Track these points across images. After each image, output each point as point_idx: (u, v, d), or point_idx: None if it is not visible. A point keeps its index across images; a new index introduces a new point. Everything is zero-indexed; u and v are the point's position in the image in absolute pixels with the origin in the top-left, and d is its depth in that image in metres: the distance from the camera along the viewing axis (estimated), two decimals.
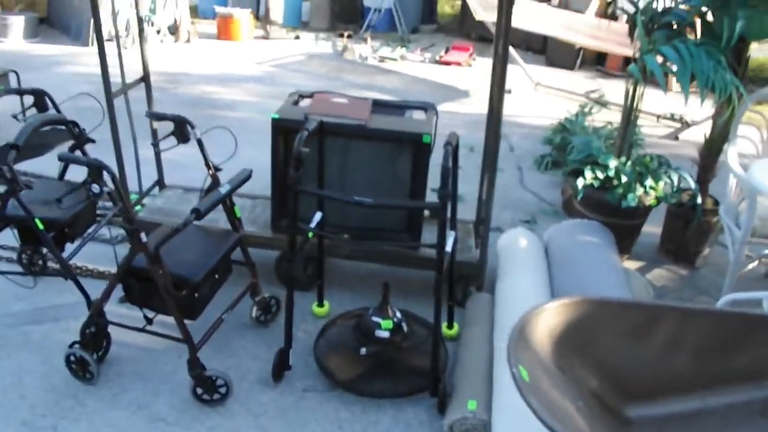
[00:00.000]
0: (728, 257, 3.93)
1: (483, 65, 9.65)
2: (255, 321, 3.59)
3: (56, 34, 9.79)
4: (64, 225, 3.27)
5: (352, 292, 3.94)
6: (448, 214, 2.99)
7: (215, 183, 3.38)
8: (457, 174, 3.17)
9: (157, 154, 4.11)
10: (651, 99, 6.22)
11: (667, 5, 4.29)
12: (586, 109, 6.61)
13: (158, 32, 9.54)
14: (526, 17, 8.20)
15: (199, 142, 3.40)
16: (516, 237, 4.04)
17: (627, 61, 9.63)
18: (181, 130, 3.40)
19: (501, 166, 5.07)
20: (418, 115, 3.81)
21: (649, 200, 4.25)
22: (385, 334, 3.16)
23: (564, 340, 2.24)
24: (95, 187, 2.65)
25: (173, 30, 9.71)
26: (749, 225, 3.83)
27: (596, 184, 4.24)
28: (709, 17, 4.05)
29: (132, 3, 4.75)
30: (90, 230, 3.43)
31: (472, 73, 9.23)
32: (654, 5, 4.22)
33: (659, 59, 3.87)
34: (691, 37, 4.16)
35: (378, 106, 3.84)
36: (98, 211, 3.70)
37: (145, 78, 4.13)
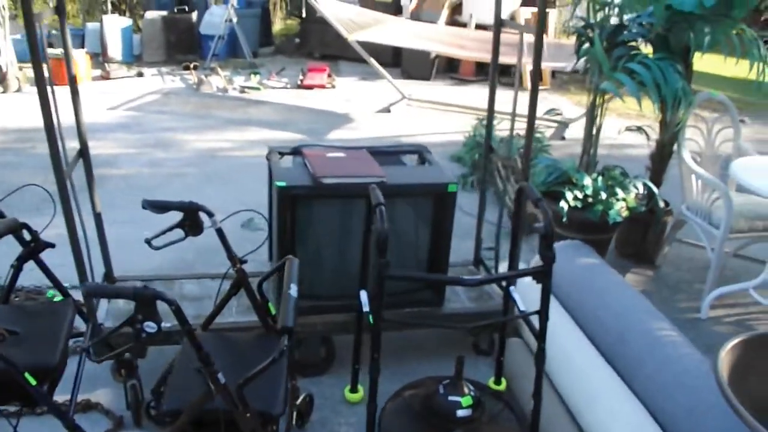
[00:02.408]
0: (684, 253, 4.41)
1: (344, 85, 9.52)
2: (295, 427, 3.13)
3: None
4: (56, 370, 2.56)
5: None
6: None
7: (242, 279, 2.90)
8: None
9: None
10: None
11: (614, 22, 4.40)
12: (494, 122, 6.61)
13: None
14: (389, 33, 8.21)
15: (219, 232, 2.88)
16: None
17: (479, 67, 9.93)
18: (194, 219, 2.87)
19: None
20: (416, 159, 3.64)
21: (624, 212, 4.30)
22: (467, 413, 2.88)
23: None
24: (151, 326, 2.09)
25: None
26: (729, 223, 4.01)
27: (579, 204, 4.22)
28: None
29: None
30: None
31: (337, 94, 9.04)
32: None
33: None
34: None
35: (375, 155, 3.55)
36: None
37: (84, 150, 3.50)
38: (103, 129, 7.37)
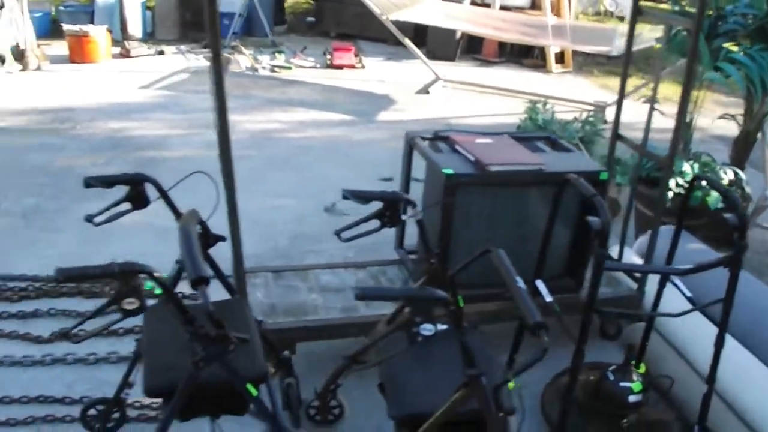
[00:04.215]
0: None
1: (372, 65, 9.44)
2: None
3: None
4: (267, 376, 2.46)
5: None
6: None
7: (436, 272, 2.80)
8: None
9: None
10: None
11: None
12: (539, 106, 6.62)
13: (2, 61, 8.11)
14: (422, 12, 8.18)
15: (420, 223, 2.76)
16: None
17: (501, 48, 9.93)
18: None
19: None
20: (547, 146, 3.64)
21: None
22: (638, 398, 2.92)
23: None
24: (428, 329, 2.02)
25: (17, 57, 8.31)
26: None
27: (682, 191, 4.25)
28: None
29: None
30: None
31: (369, 75, 8.96)
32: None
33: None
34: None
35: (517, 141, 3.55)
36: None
37: None
38: (140, 109, 7.20)
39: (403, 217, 2.75)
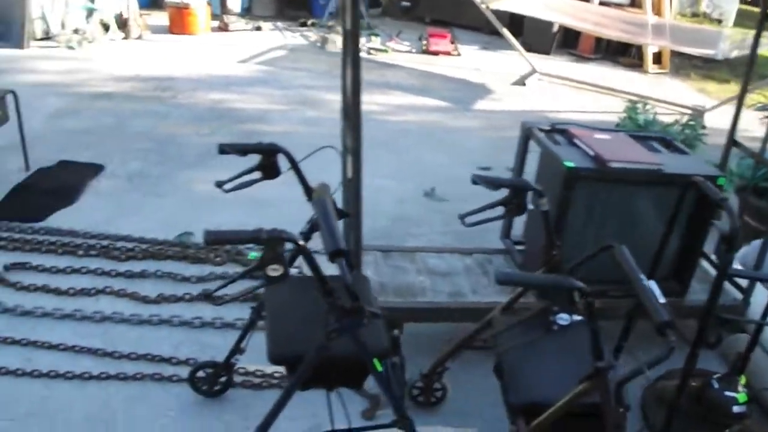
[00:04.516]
0: None
1: (467, 53, 9.34)
2: None
3: None
4: (389, 352, 2.43)
5: None
6: None
7: (558, 263, 2.70)
8: None
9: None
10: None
11: None
12: (639, 106, 6.42)
13: (107, 29, 8.32)
14: (523, 3, 8.03)
15: (545, 214, 2.66)
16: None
17: (597, 44, 9.70)
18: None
19: None
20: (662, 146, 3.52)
21: None
22: (743, 410, 2.81)
23: None
24: (563, 318, 1.95)
25: (120, 25, 8.51)
26: None
27: None
28: None
29: None
30: None
31: (464, 63, 8.87)
32: None
33: None
34: None
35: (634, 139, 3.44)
36: None
37: None
38: (240, 82, 7.28)
39: (530, 207, 2.68)
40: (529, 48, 9.41)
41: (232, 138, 5.60)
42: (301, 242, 1.91)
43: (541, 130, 3.43)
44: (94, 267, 3.79)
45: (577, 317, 2.27)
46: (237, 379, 3.04)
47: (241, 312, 3.46)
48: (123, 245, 4.01)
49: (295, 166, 2.58)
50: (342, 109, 3.62)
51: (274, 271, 1.86)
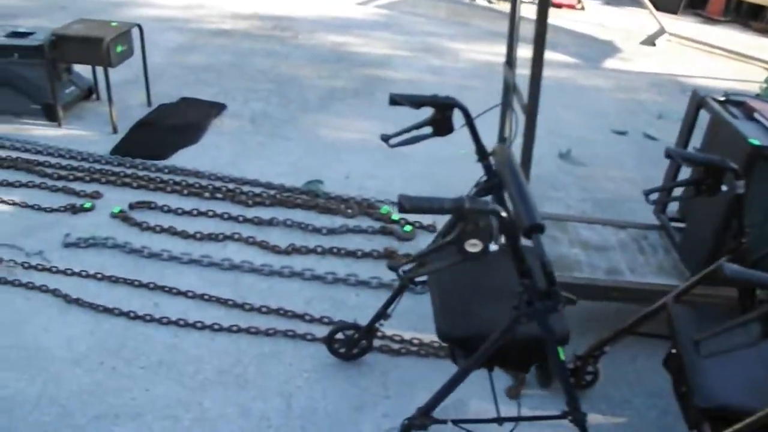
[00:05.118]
0: None
1: (591, 8, 8.83)
2: None
3: None
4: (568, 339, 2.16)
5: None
6: None
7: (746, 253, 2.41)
8: None
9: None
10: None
11: None
12: None
13: None
14: None
15: (738, 198, 2.38)
16: None
17: (727, 5, 9.02)
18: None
19: None
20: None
21: None
22: None
23: None
24: None
25: None
26: None
27: None
28: None
29: None
30: None
31: (588, 17, 8.37)
32: None
33: None
34: None
35: None
36: None
37: None
38: (360, 25, 7.03)
39: (723, 188, 2.37)
40: (656, 6, 8.81)
41: (355, 82, 5.38)
42: (504, 215, 1.66)
43: (715, 100, 3.07)
44: (220, 211, 3.65)
45: None
46: (374, 343, 2.85)
47: (376, 269, 3.29)
48: (250, 190, 3.87)
49: (470, 122, 2.32)
50: (505, 63, 3.34)
51: (473, 246, 1.63)
